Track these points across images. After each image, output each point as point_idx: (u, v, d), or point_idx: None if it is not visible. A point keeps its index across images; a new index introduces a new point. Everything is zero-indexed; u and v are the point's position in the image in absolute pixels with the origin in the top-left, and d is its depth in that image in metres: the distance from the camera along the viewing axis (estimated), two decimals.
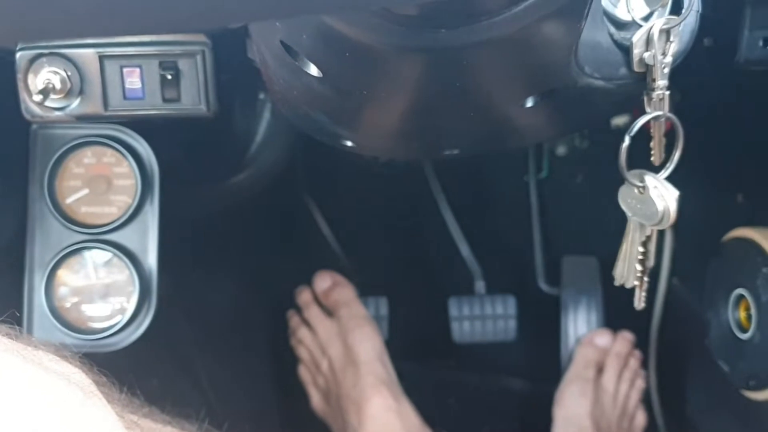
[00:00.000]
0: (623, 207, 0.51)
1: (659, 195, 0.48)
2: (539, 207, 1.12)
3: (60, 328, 0.63)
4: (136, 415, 0.47)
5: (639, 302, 0.55)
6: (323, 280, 1.02)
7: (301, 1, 0.21)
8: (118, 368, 0.46)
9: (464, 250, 1.10)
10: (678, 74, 0.46)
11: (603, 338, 1.02)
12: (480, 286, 1.10)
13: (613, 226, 0.54)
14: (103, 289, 0.65)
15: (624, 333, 1.03)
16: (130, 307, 0.63)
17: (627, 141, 0.46)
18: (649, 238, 0.52)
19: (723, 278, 0.78)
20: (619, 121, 0.88)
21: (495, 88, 0.42)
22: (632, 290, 0.55)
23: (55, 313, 0.64)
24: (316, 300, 1.02)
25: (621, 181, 0.49)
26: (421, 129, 0.48)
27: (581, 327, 1.05)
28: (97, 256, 0.65)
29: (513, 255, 1.15)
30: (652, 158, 0.49)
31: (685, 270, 0.99)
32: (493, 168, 1.13)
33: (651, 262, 0.54)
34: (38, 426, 0.34)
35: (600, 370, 1.00)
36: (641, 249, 0.52)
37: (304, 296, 1.03)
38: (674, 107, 0.46)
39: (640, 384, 1.02)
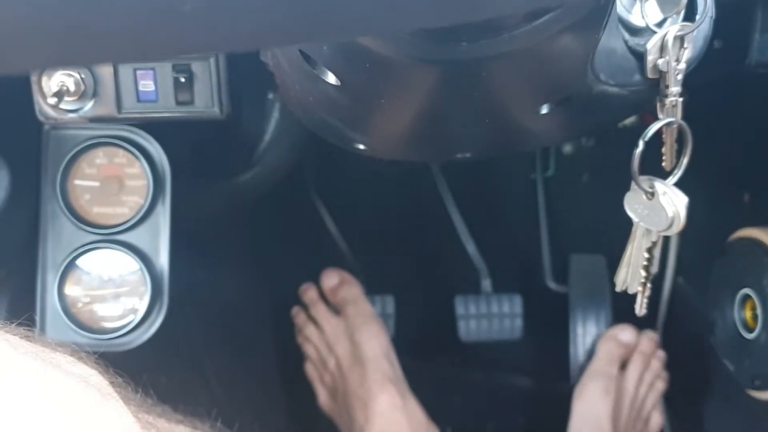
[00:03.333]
0: (630, 213, 0.50)
1: (669, 201, 0.47)
2: (546, 205, 1.12)
3: (72, 327, 0.63)
4: (150, 415, 0.48)
5: (640, 309, 0.55)
6: (331, 278, 1.02)
7: (334, 25, 0.21)
8: (130, 367, 0.47)
9: (471, 248, 1.10)
10: (687, 75, 0.45)
11: (627, 334, 1.00)
12: (486, 284, 1.10)
13: (620, 224, 0.54)
14: (115, 290, 0.65)
15: (649, 332, 1.01)
16: (142, 306, 0.64)
17: (641, 146, 0.46)
18: (654, 244, 0.51)
19: (729, 278, 0.78)
20: (626, 120, 0.87)
21: (512, 97, 0.42)
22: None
23: (68, 312, 0.64)
24: (323, 297, 1.03)
25: (628, 179, 0.49)
26: (435, 135, 0.48)
27: (589, 325, 1.05)
28: (109, 256, 0.65)
29: (520, 253, 1.15)
30: (663, 164, 0.49)
31: (691, 269, 0.99)
32: (499, 166, 1.13)
33: (655, 268, 0.53)
34: (57, 429, 0.34)
35: (623, 366, 0.99)
36: (646, 255, 0.52)
37: (310, 293, 1.03)
38: (683, 107, 0.46)
39: (659, 386, 1.00)
